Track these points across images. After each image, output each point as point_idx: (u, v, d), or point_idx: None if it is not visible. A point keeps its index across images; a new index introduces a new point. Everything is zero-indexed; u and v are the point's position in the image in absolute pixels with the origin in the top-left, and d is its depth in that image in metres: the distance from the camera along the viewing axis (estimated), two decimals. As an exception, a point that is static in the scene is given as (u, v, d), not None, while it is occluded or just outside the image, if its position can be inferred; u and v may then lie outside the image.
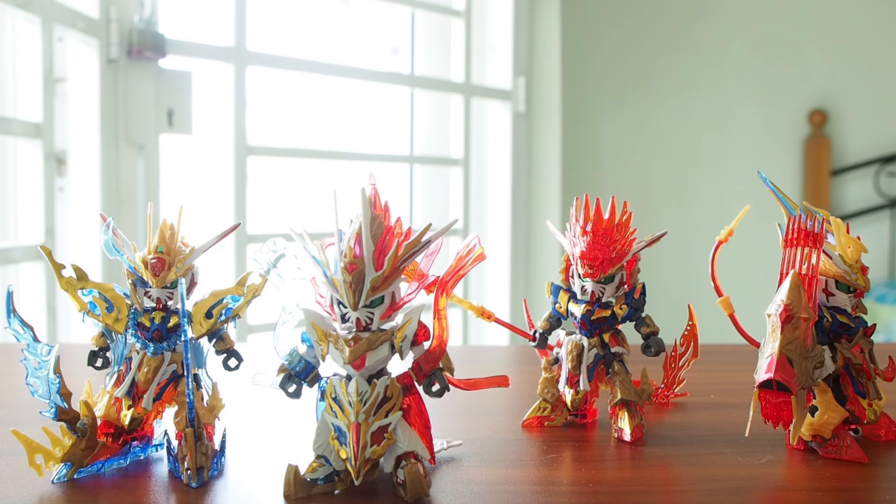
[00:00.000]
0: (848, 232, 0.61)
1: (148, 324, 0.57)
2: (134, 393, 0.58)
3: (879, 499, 0.53)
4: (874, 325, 0.61)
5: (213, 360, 0.60)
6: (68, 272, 0.58)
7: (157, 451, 0.61)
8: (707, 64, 2.72)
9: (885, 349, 0.74)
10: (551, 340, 0.70)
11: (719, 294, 0.67)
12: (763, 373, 0.54)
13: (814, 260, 0.57)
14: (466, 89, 2.28)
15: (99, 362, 0.60)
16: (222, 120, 1.77)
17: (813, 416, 0.59)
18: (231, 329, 0.61)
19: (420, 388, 0.56)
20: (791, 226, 0.58)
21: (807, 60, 2.72)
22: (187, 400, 0.55)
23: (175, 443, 0.57)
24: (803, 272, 0.57)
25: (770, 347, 0.55)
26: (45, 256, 0.57)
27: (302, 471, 0.53)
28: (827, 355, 0.58)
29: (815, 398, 0.59)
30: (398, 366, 0.55)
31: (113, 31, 1.53)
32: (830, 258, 0.60)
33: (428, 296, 0.59)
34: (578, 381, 0.65)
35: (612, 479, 0.56)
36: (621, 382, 0.66)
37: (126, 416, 0.58)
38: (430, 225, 0.54)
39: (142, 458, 0.60)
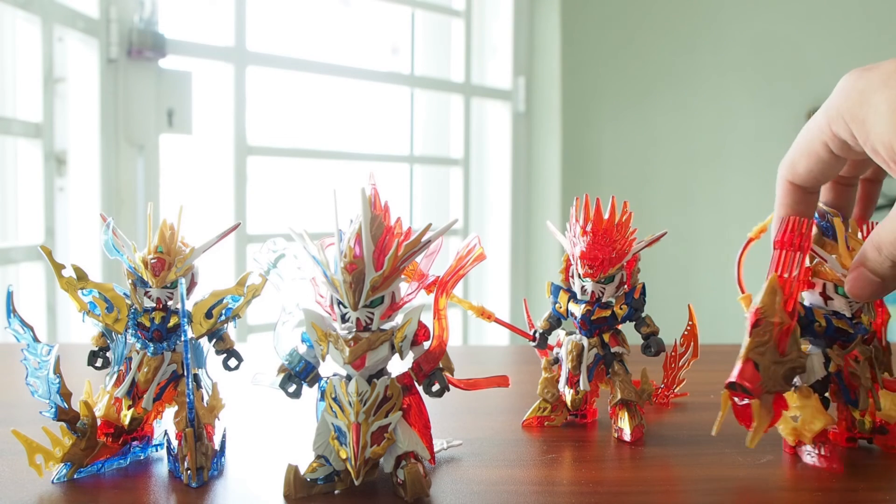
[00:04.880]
0: (857, 234, 0.59)
1: (148, 324, 0.57)
2: (134, 393, 0.58)
3: (880, 499, 0.53)
4: (873, 332, 0.59)
5: (213, 360, 0.60)
6: (68, 272, 0.58)
7: (157, 451, 0.61)
8: (707, 64, 2.72)
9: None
10: (551, 340, 0.70)
11: (742, 291, 0.66)
12: (731, 374, 0.55)
13: (798, 263, 0.57)
14: (466, 89, 2.28)
15: (99, 362, 0.60)
16: (222, 120, 1.77)
17: (797, 421, 0.59)
18: (231, 329, 0.61)
19: (420, 388, 0.56)
20: (782, 227, 0.58)
21: (806, 60, 2.72)
22: (187, 400, 0.55)
23: (175, 443, 0.57)
24: (786, 276, 0.57)
25: (741, 349, 0.55)
26: (45, 256, 0.57)
27: (302, 471, 0.53)
28: (818, 360, 0.58)
29: (795, 403, 0.59)
30: (398, 366, 0.55)
31: (113, 31, 1.54)
32: (825, 261, 0.58)
33: (428, 296, 0.59)
34: (578, 381, 0.65)
35: (612, 479, 0.56)
36: (621, 382, 0.66)
37: (126, 416, 0.58)
38: (430, 225, 0.54)
39: (142, 458, 0.60)
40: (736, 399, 0.56)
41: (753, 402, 0.55)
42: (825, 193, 0.60)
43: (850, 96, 0.50)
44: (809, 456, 0.59)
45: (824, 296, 0.58)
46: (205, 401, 0.58)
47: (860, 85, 0.50)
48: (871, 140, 0.49)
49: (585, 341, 0.66)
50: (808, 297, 0.59)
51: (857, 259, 0.54)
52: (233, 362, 0.60)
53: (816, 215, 0.59)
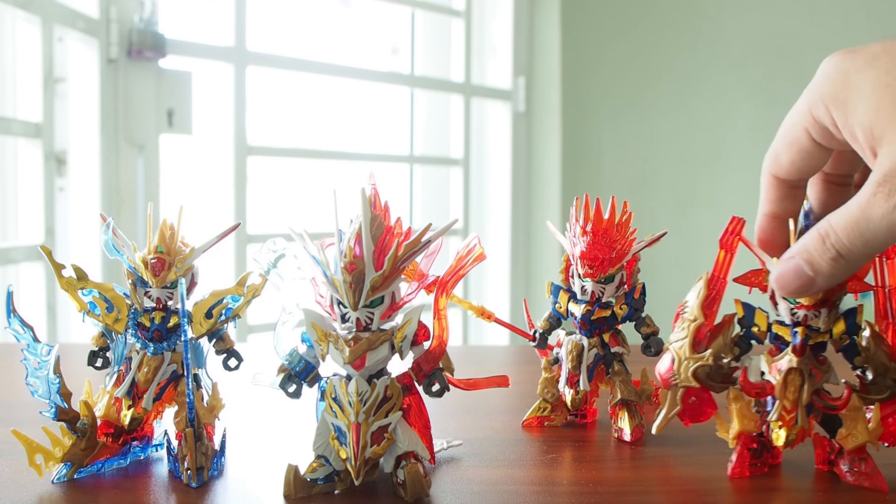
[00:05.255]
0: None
1: (148, 324, 0.57)
2: (134, 393, 0.58)
3: (879, 499, 0.53)
4: (805, 342, 0.52)
5: (213, 360, 0.60)
6: (68, 272, 0.58)
7: (157, 451, 0.61)
8: (707, 64, 2.72)
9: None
10: (551, 340, 0.70)
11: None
12: None
13: (726, 264, 0.57)
14: (466, 89, 2.28)
15: (99, 362, 0.60)
16: (222, 120, 1.77)
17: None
18: (231, 329, 0.61)
19: (420, 388, 0.56)
20: (726, 227, 0.58)
21: (806, 60, 2.72)
22: (187, 400, 0.55)
23: (175, 443, 0.57)
24: (716, 274, 0.57)
25: None
26: (45, 256, 0.57)
27: (302, 471, 0.53)
28: (756, 365, 0.55)
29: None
30: (398, 366, 0.55)
31: (113, 31, 1.54)
32: (764, 263, 0.54)
33: (428, 296, 0.59)
34: (578, 381, 0.65)
35: (612, 479, 0.56)
36: (621, 382, 0.66)
37: (126, 416, 0.58)
38: (430, 225, 0.54)
39: (142, 458, 0.60)
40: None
41: (661, 391, 0.56)
42: (818, 194, 0.55)
43: (833, 78, 0.46)
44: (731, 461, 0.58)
45: (773, 300, 0.54)
46: (205, 401, 0.58)
47: (843, 66, 0.46)
48: (850, 123, 0.45)
49: (585, 341, 0.66)
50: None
51: (794, 249, 0.49)
52: (233, 362, 0.60)
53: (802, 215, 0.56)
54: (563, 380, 0.67)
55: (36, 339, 0.55)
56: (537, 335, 0.69)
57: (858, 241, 0.45)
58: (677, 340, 0.56)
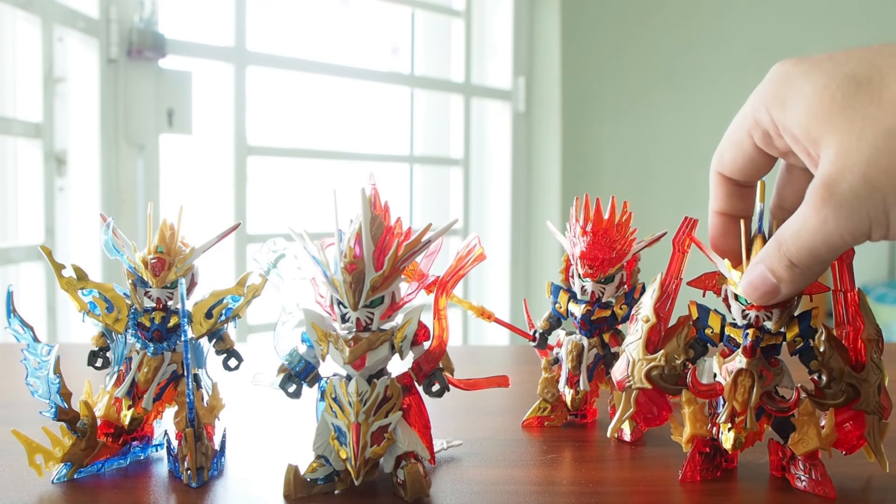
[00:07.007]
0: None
1: (148, 324, 0.57)
2: (134, 393, 0.58)
3: (878, 499, 0.53)
4: (756, 344, 0.51)
5: (213, 360, 0.60)
6: (68, 272, 0.58)
7: (157, 451, 0.61)
8: (707, 64, 2.72)
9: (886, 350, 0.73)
10: (551, 340, 0.70)
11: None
12: None
13: (678, 264, 0.56)
14: (466, 89, 2.28)
15: (99, 362, 0.60)
16: (222, 120, 1.77)
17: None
18: (231, 329, 0.61)
19: (420, 388, 0.56)
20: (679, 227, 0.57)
21: (807, 60, 2.71)
22: (187, 400, 0.55)
23: (175, 443, 0.57)
24: (670, 275, 0.57)
25: None
26: (45, 256, 0.57)
27: (302, 471, 0.53)
28: (709, 367, 0.55)
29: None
30: (398, 366, 0.55)
31: (113, 31, 1.54)
32: (716, 265, 0.54)
33: (428, 296, 0.59)
34: (578, 381, 0.66)
35: (612, 479, 0.56)
36: (621, 382, 0.66)
37: (126, 416, 0.58)
38: (430, 225, 0.54)
39: (142, 458, 0.60)
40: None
41: (616, 393, 0.56)
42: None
43: (776, 81, 0.46)
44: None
45: (726, 302, 0.54)
46: (205, 401, 0.58)
47: (787, 70, 0.46)
48: (788, 123, 0.45)
49: (585, 341, 0.66)
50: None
51: (759, 255, 0.49)
52: (233, 362, 0.60)
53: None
54: (563, 380, 0.67)
55: (36, 339, 0.55)
56: (537, 335, 0.69)
57: (804, 251, 0.45)
58: (632, 342, 0.56)
